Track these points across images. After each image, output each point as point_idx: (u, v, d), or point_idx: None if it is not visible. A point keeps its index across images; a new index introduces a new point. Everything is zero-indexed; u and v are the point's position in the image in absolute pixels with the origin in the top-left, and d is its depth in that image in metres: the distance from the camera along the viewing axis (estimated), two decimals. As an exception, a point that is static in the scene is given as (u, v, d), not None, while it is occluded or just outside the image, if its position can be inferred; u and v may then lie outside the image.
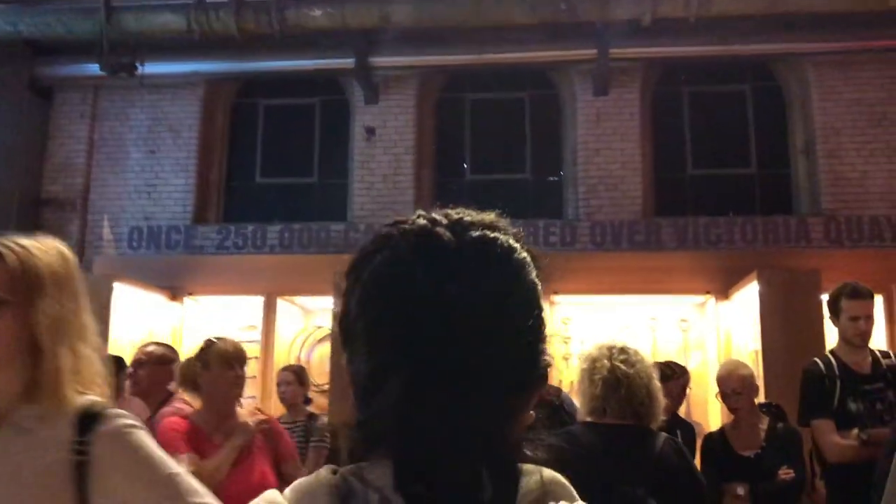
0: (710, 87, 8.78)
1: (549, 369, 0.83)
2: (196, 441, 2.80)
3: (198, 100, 8.99)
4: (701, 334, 7.38)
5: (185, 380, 3.05)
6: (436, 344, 0.74)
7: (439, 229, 0.81)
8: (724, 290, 6.97)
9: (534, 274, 0.83)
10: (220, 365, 2.91)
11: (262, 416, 3.02)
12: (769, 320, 5.86)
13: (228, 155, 9.29)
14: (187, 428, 2.84)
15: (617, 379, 2.39)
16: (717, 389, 4.00)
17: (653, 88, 8.74)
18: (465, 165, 8.99)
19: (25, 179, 8.66)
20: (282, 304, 7.43)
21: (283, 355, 7.40)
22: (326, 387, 6.77)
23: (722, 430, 4.00)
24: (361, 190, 8.64)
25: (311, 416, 4.56)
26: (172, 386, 3.72)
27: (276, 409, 5.47)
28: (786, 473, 3.55)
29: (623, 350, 2.49)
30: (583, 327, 7.53)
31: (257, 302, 7.39)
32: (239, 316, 7.77)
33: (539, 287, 0.83)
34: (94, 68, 8.02)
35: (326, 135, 9.11)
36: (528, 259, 0.84)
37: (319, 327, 7.54)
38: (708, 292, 7.07)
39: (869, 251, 7.67)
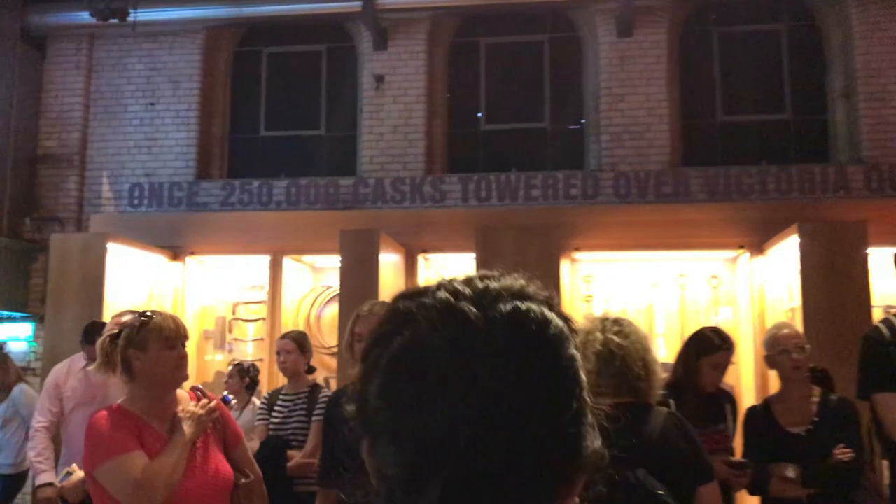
0: (743, 26, 8.20)
1: (597, 456, 0.74)
2: (141, 435, 2.42)
3: (198, 48, 8.54)
4: (732, 292, 6.94)
5: (109, 362, 2.48)
6: (471, 441, 0.67)
7: (464, 304, 0.72)
8: (758, 244, 6.50)
9: (572, 346, 0.75)
10: (160, 345, 2.45)
11: (206, 401, 2.56)
12: (811, 276, 5.40)
13: (231, 107, 8.87)
14: (129, 420, 2.43)
15: (611, 352, 2.28)
16: (764, 352, 3.55)
17: (681, 28, 8.17)
18: (480, 115, 8.52)
19: (20, 135, 8.29)
20: (289, 262, 7.06)
21: (292, 317, 7.05)
22: (336, 349, 6.44)
23: (766, 403, 3.55)
24: (370, 142, 8.21)
25: (315, 387, 4.19)
26: None
27: (278, 379, 5.12)
28: (842, 453, 3.13)
29: (616, 322, 2.38)
30: (606, 286, 7.11)
31: (263, 261, 7.03)
32: (244, 276, 7.43)
33: (578, 360, 0.74)
34: (87, 16, 7.59)
35: (333, 84, 8.66)
36: (565, 330, 0.75)
37: (328, 287, 7.17)
38: (741, 246, 6.61)
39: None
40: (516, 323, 0.71)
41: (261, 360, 6.86)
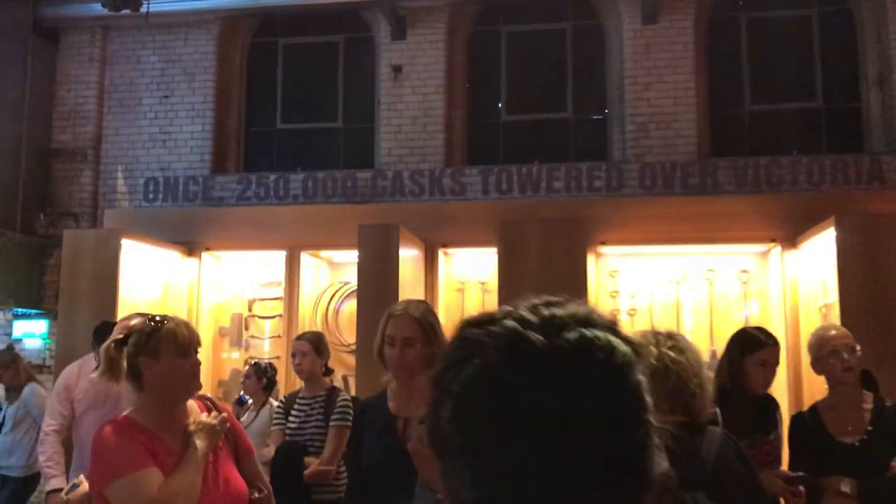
0: (772, 11, 7.92)
1: (664, 478, 0.75)
2: (154, 450, 2.25)
3: (212, 39, 8.38)
4: (762, 287, 6.69)
5: (114, 369, 2.29)
6: (545, 467, 0.70)
7: (531, 333, 0.74)
8: (790, 237, 6.25)
9: (639, 371, 0.76)
10: (173, 353, 2.26)
11: (219, 413, 2.38)
12: (849, 271, 5.16)
13: (247, 99, 8.73)
14: (140, 433, 2.25)
15: (666, 367, 2.15)
16: (810, 355, 3.33)
17: (708, 15, 7.91)
18: (501, 105, 8.31)
19: (34, 129, 8.17)
20: (306, 258, 6.89)
21: (309, 313, 6.88)
22: (354, 347, 6.27)
23: (815, 410, 3.31)
24: (389, 134, 8.02)
25: (333, 390, 4.01)
26: None
27: (294, 378, 4.95)
28: (901, 465, 2.91)
29: (670, 336, 2.27)
30: (632, 281, 6.89)
31: (279, 256, 6.86)
32: (260, 272, 7.27)
33: (644, 384, 0.76)
34: (100, 7, 7.42)
35: (351, 75, 8.48)
36: (631, 355, 0.76)
37: (346, 283, 6.99)
38: (773, 240, 6.36)
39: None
40: (583, 351, 0.73)
41: (277, 357, 6.71)
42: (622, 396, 0.73)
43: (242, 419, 4.92)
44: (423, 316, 2.45)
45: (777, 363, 3.30)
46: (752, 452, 2.22)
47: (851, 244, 5.21)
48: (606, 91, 8.08)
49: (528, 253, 5.81)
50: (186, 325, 2.39)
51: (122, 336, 2.35)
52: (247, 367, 5.52)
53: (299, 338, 4.16)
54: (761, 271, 6.72)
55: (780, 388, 6.09)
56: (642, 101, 7.70)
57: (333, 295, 7.05)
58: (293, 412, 3.96)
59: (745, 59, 7.92)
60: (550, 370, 0.71)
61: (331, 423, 3.82)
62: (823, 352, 3.21)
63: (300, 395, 4.04)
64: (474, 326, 0.77)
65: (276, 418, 4.08)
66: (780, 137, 7.73)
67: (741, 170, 7.36)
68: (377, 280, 5.54)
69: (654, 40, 7.73)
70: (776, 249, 6.39)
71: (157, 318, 2.36)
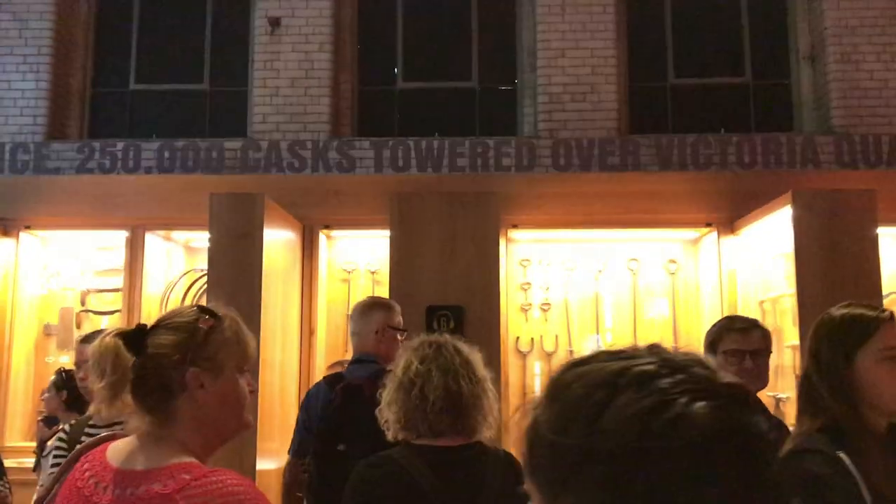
0: (698, -23, 7.16)
1: None
2: None
3: (50, -21, 6.94)
4: (691, 279, 5.87)
5: (119, 389, 1.42)
6: None
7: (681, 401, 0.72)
8: (728, 221, 5.44)
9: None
10: (235, 367, 1.52)
11: None
12: (808, 258, 4.34)
13: (94, 53, 7.35)
14: None
15: (444, 385, 1.99)
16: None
17: (629, -25, 7.08)
18: (396, 71, 7.23)
19: None
20: (153, 239, 5.60)
21: (157, 308, 5.61)
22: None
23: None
24: (264, 98, 6.82)
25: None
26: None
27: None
28: None
29: (441, 345, 2.11)
30: (545, 272, 5.94)
31: (120, 238, 5.56)
32: (97, 257, 5.93)
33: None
34: None
35: (220, 28, 7.24)
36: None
37: (205, 271, 5.74)
38: (708, 224, 5.54)
39: (891, 173, 6.23)
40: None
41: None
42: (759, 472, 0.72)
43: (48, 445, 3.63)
44: None
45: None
46: None
47: (810, 226, 4.40)
48: (516, 58, 7.14)
49: (428, 234, 4.75)
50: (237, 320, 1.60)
51: (122, 331, 1.48)
52: (53, 377, 4.19)
53: (85, 340, 2.92)
54: (692, 261, 5.89)
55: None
56: (556, 70, 6.78)
57: (191, 286, 5.79)
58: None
59: (669, 29, 7.13)
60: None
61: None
62: (720, 350, 2.72)
63: (90, 424, 2.81)
64: (621, 376, 0.75)
65: (55, 457, 2.82)
66: (705, 115, 6.98)
67: (665, 149, 6.50)
68: (236, 265, 4.35)
69: (570, 2, 6.83)
70: (711, 235, 5.57)
71: (207, 310, 1.55)
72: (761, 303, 5.22)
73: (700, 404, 0.68)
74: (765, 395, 4.98)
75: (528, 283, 5.94)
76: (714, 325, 2.89)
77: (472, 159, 6.55)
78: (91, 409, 2.80)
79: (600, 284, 5.93)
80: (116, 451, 1.46)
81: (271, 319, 4.52)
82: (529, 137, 6.73)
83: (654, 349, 0.76)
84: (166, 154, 6.60)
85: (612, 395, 0.70)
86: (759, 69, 7.11)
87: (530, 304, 5.86)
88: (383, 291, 5.37)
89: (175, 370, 1.46)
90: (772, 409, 4.92)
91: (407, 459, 1.95)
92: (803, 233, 4.35)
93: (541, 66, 6.80)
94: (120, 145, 6.64)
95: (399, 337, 3.11)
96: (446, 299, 4.67)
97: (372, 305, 3.20)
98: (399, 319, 3.18)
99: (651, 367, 0.72)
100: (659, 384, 0.70)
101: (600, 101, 6.74)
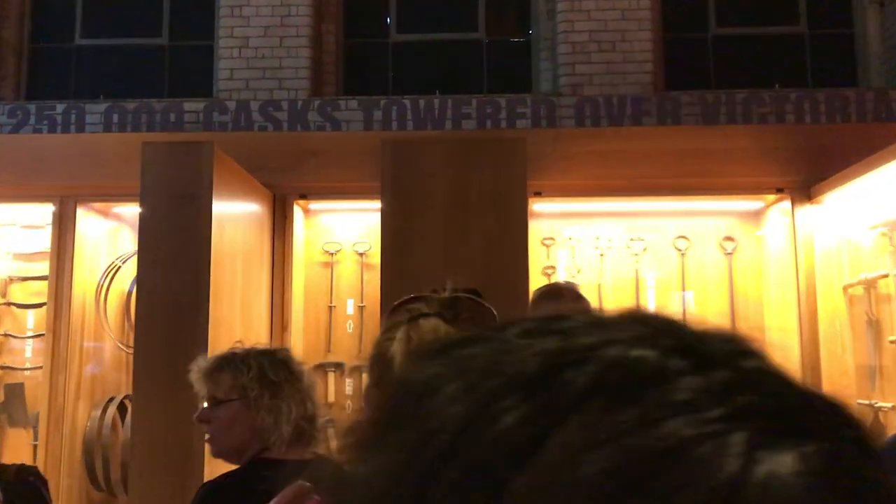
0: None
1: None
2: None
3: (-24, -88, 5.88)
4: (758, 260, 4.80)
5: None
6: None
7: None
8: (804, 186, 4.37)
9: None
10: None
11: None
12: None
13: (33, 4, 6.27)
14: None
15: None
16: None
17: None
18: (389, 20, 6.17)
19: None
20: (87, 214, 4.51)
21: (91, 297, 4.51)
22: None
23: None
24: (231, 50, 5.75)
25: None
26: None
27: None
28: None
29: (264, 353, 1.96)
30: (572, 253, 4.87)
31: (45, 212, 4.47)
32: (21, 237, 4.84)
33: None
34: None
35: (180, -28, 6.15)
36: None
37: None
38: (780, 190, 4.46)
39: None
40: None
41: (40, 367, 4.32)
42: None
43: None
44: None
45: None
46: None
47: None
48: (529, 6, 6.08)
49: (432, 196, 3.64)
50: None
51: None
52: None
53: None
54: (756, 239, 4.81)
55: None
56: (580, 14, 5.73)
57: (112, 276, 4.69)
58: None
59: (709, -32, 6.08)
60: None
61: None
62: None
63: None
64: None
65: None
66: (753, 68, 5.94)
67: (711, 106, 5.46)
68: (173, 235, 3.25)
69: (594, -66, 5.76)
70: (780, 205, 4.49)
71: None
72: (846, 287, 4.16)
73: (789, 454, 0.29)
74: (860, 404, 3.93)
75: (552, 267, 4.86)
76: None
77: (479, 120, 5.49)
78: None
79: (640, 268, 4.86)
80: None
81: (227, 311, 3.43)
82: (548, 94, 5.67)
83: (637, 315, 0.36)
84: (115, 118, 5.53)
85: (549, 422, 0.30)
86: (816, 18, 6.06)
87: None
88: (375, 276, 4.26)
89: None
90: (869, 420, 3.88)
91: None
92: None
93: (561, 11, 5.74)
94: (60, 108, 5.57)
95: None
96: (455, 282, 3.59)
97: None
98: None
99: (647, 351, 0.32)
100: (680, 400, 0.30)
101: (632, 52, 5.69)
